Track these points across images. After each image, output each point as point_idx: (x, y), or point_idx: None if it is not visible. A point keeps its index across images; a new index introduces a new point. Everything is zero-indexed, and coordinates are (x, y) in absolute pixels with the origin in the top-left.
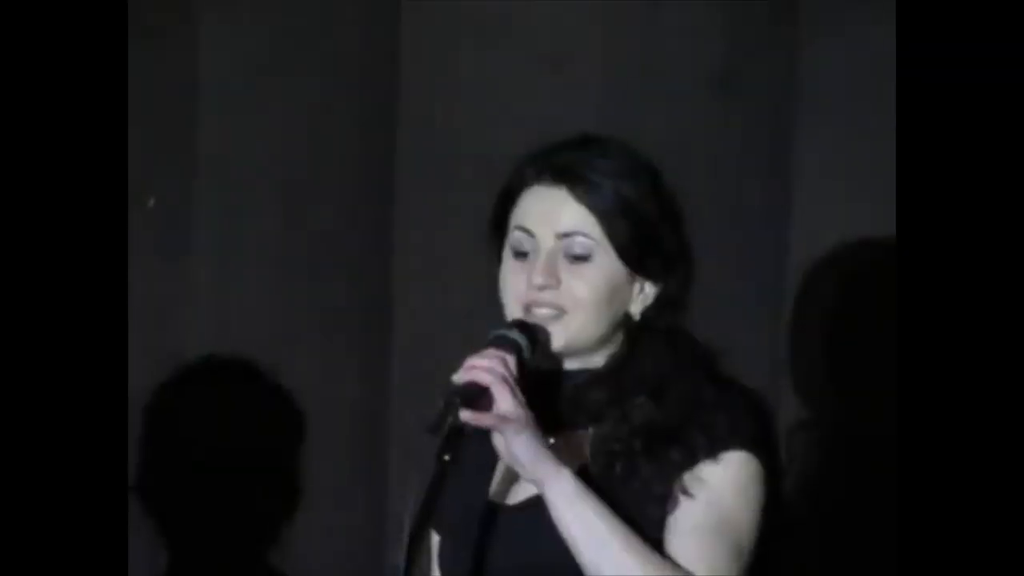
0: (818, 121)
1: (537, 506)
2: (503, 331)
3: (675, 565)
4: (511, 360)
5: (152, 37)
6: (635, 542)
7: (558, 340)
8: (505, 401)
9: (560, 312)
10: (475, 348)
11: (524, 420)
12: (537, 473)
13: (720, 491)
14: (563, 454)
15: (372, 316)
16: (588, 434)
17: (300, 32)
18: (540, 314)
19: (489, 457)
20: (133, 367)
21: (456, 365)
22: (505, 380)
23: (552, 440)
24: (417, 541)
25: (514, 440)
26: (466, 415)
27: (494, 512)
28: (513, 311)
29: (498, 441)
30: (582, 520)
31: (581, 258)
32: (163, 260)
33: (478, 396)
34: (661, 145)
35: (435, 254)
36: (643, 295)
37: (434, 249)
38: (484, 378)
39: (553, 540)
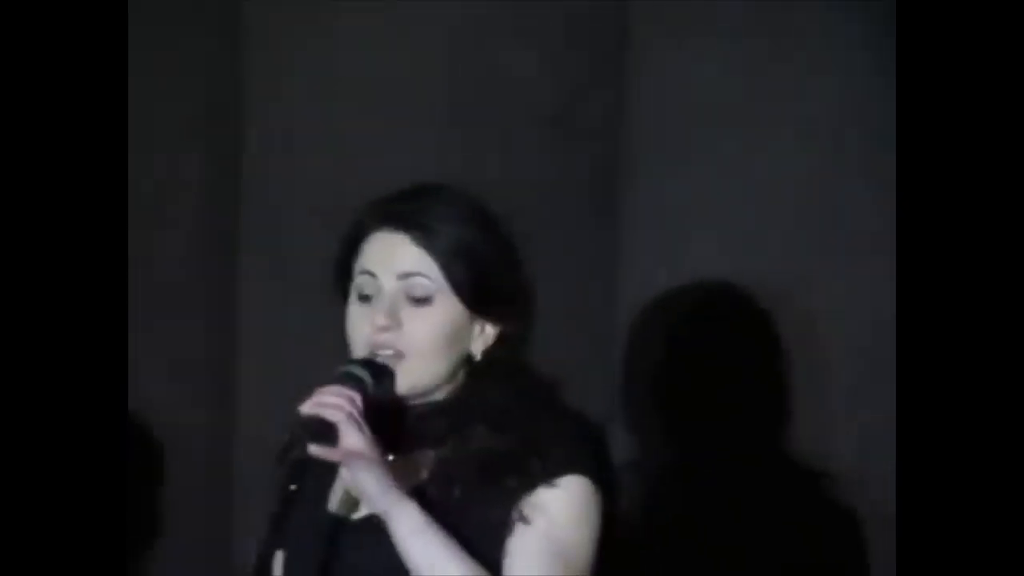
0: (648, 159)
1: (375, 522)
2: (350, 368)
3: None
4: (357, 397)
5: None
6: (473, 568)
7: (402, 383)
8: (353, 438)
9: (401, 356)
10: (320, 382)
11: (371, 456)
12: (383, 505)
13: (557, 516)
14: (402, 472)
15: (220, 356)
16: (429, 456)
17: (149, 92)
18: (383, 355)
19: (329, 477)
20: None
21: (302, 397)
22: (352, 417)
23: (392, 457)
24: (266, 562)
25: (362, 475)
26: (316, 450)
27: (337, 528)
28: (359, 352)
29: (345, 473)
30: (424, 552)
31: (422, 300)
32: None
33: (325, 430)
34: (497, 186)
35: (279, 298)
36: (483, 335)
37: (279, 293)
38: (332, 415)
39: (394, 555)
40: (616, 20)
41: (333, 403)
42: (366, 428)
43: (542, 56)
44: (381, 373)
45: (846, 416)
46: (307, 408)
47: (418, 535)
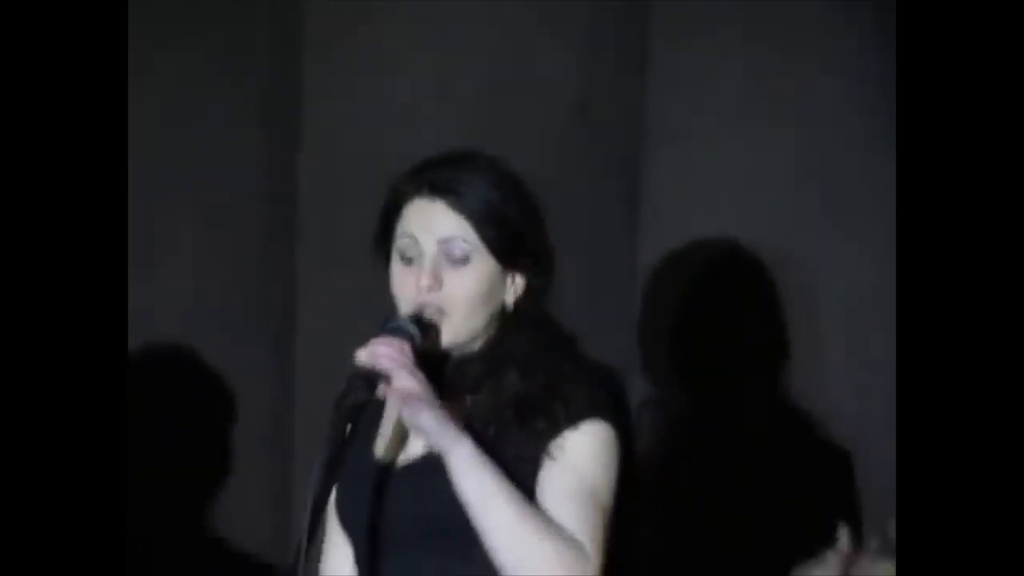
0: (665, 141)
1: (423, 466)
2: (400, 323)
3: (550, 520)
4: (407, 348)
5: None
6: (522, 502)
7: (445, 337)
8: (409, 382)
9: (444, 312)
10: (372, 333)
11: (427, 397)
12: (442, 441)
13: (581, 455)
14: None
15: (280, 311)
16: (466, 401)
17: (216, 68)
18: (429, 312)
19: (376, 427)
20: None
21: (357, 347)
22: (405, 364)
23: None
24: (321, 502)
25: (422, 414)
26: (382, 389)
27: (385, 471)
28: (405, 309)
29: (405, 414)
30: (480, 481)
31: (461, 260)
32: None
33: (378, 378)
34: (529, 160)
35: (335, 257)
36: (514, 287)
37: (334, 253)
38: (386, 363)
39: (437, 495)
40: (638, 10)
41: (386, 352)
42: (419, 373)
43: (568, 48)
44: (427, 328)
45: (846, 366)
46: (362, 357)
47: (474, 466)
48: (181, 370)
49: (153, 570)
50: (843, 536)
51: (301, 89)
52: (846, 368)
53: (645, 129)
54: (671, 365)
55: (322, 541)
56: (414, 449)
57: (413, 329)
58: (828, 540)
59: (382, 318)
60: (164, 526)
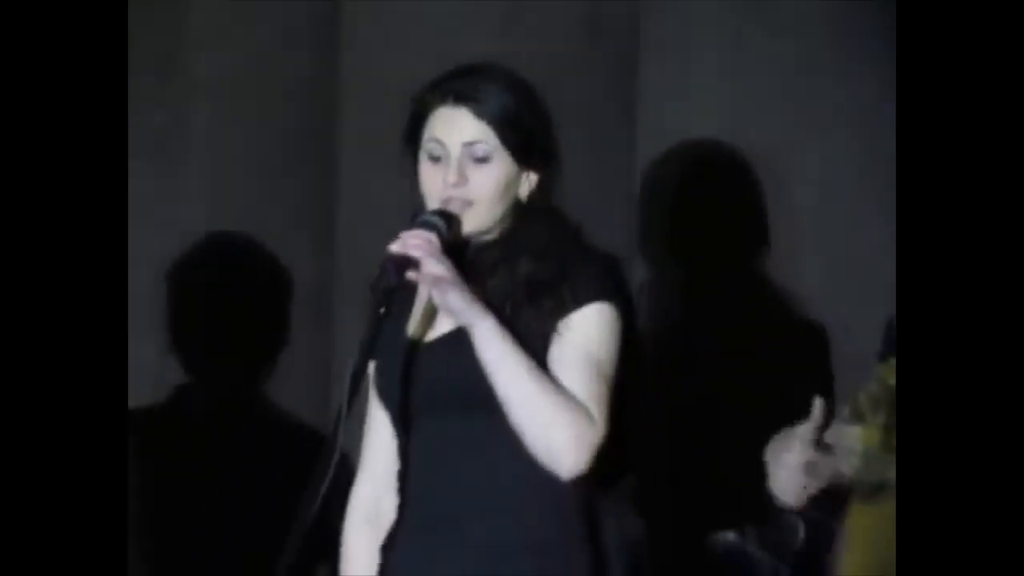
0: (662, 56)
1: (448, 341)
2: (427, 216)
3: (562, 387)
4: (434, 238)
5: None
6: (538, 370)
7: (469, 225)
8: (437, 267)
9: (469, 203)
10: (403, 226)
11: (454, 279)
12: (468, 316)
13: (587, 332)
14: None
15: (324, 205)
16: (484, 283)
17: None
18: (454, 206)
19: (408, 307)
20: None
21: (390, 239)
22: (433, 252)
23: None
24: (359, 373)
25: (450, 294)
26: (412, 275)
27: (416, 347)
28: (432, 203)
29: (435, 295)
30: (501, 351)
31: (482, 159)
32: (163, 165)
33: (408, 264)
34: (539, 68)
35: (371, 157)
36: (528, 182)
37: (370, 153)
38: (416, 251)
39: (462, 366)
40: None
41: (416, 243)
42: (445, 260)
43: None
44: (451, 220)
45: (816, 251)
46: (395, 247)
47: (496, 338)
48: (243, 254)
49: (214, 433)
50: (817, 406)
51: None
52: (816, 253)
53: (643, 41)
54: (666, 252)
55: (354, 408)
56: (441, 327)
57: (439, 222)
58: (803, 410)
59: (411, 213)
60: (224, 392)
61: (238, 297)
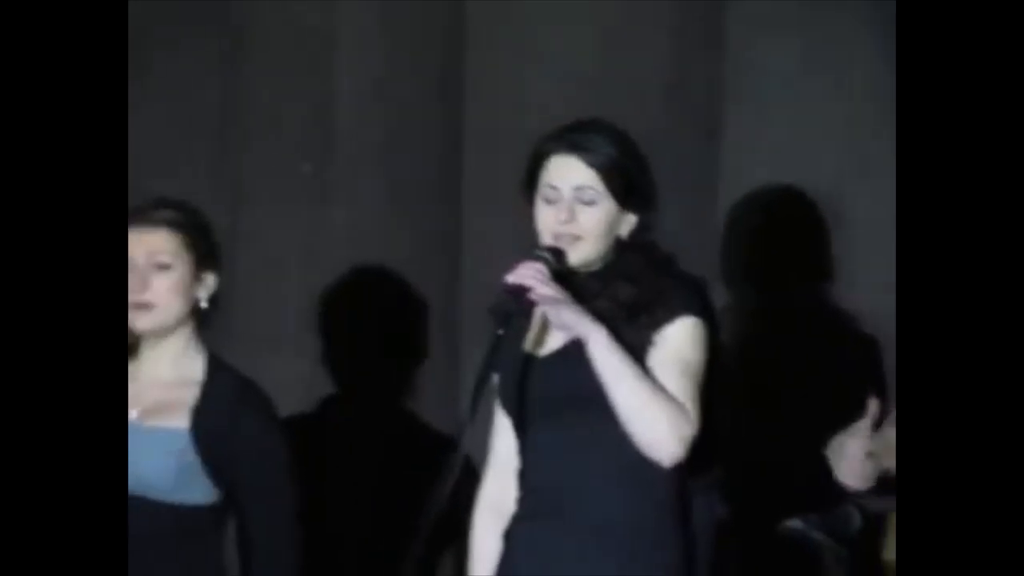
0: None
1: (558, 356)
2: (538, 251)
3: (664, 390)
4: (542, 267)
5: None
6: (645, 376)
7: (576, 257)
8: (548, 290)
9: (576, 239)
10: (522, 260)
11: (566, 299)
12: (582, 329)
13: (678, 342)
14: None
15: (452, 239)
16: (590, 306)
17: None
18: (563, 241)
19: (524, 328)
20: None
21: (508, 271)
22: (542, 279)
23: None
24: (482, 385)
25: (564, 311)
26: (533, 296)
27: (531, 361)
28: (545, 239)
29: (551, 314)
30: (615, 359)
31: (589, 202)
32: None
33: (521, 291)
34: (637, 123)
35: (497, 195)
36: (628, 222)
37: (497, 192)
38: (529, 281)
39: (570, 376)
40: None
41: (528, 272)
42: (554, 285)
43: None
44: (559, 254)
45: (870, 281)
46: (511, 277)
47: (610, 347)
48: (383, 282)
49: (357, 439)
50: (872, 407)
51: (464, 69)
52: (870, 283)
53: (724, 99)
54: (742, 279)
55: (478, 415)
56: (552, 344)
57: (547, 255)
58: (860, 412)
59: (528, 247)
60: (366, 401)
61: (378, 320)
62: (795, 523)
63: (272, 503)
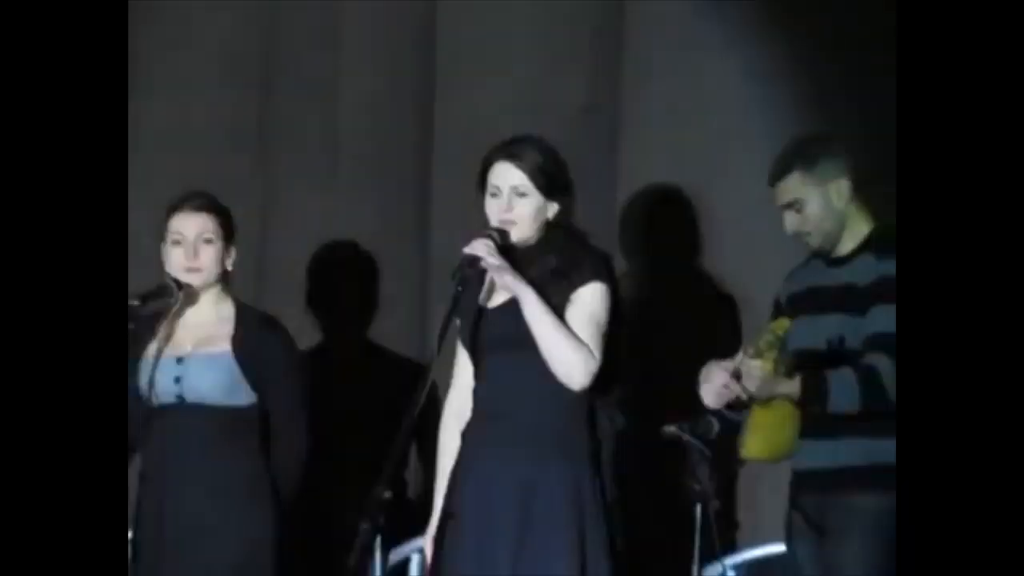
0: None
1: (502, 308)
2: (488, 231)
3: (576, 336)
4: (491, 243)
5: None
6: (560, 323)
7: (514, 236)
8: (495, 259)
9: (514, 223)
10: (473, 239)
11: (507, 267)
12: (517, 289)
13: (589, 301)
14: None
15: (420, 221)
16: (524, 272)
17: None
18: (506, 224)
19: (478, 287)
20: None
21: (463, 246)
22: (492, 252)
23: None
24: (445, 329)
25: (505, 276)
26: (485, 263)
27: (482, 312)
28: (493, 223)
29: (496, 277)
30: (539, 311)
31: (523, 195)
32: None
33: (475, 260)
34: (558, 135)
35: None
36: (552, 209)
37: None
38: (481, 250)
39: (515, 324)
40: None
41: (479, 245)
42: (499, 256)
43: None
44: (503, 234)
45: (741, 253)
46: (466, 249)
47: (536, 302)
48: (359, 259)
49: (347, 371)
50: (739, 355)
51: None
52: (740, 255)
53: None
54: (638, 252)
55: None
56: (498, 299)
57: (494, 233)
58: (721, 352)
59: (480, 228)
60: (339, 342)
61: (353, 282)
62: (671, 428)
63: (290, 398)
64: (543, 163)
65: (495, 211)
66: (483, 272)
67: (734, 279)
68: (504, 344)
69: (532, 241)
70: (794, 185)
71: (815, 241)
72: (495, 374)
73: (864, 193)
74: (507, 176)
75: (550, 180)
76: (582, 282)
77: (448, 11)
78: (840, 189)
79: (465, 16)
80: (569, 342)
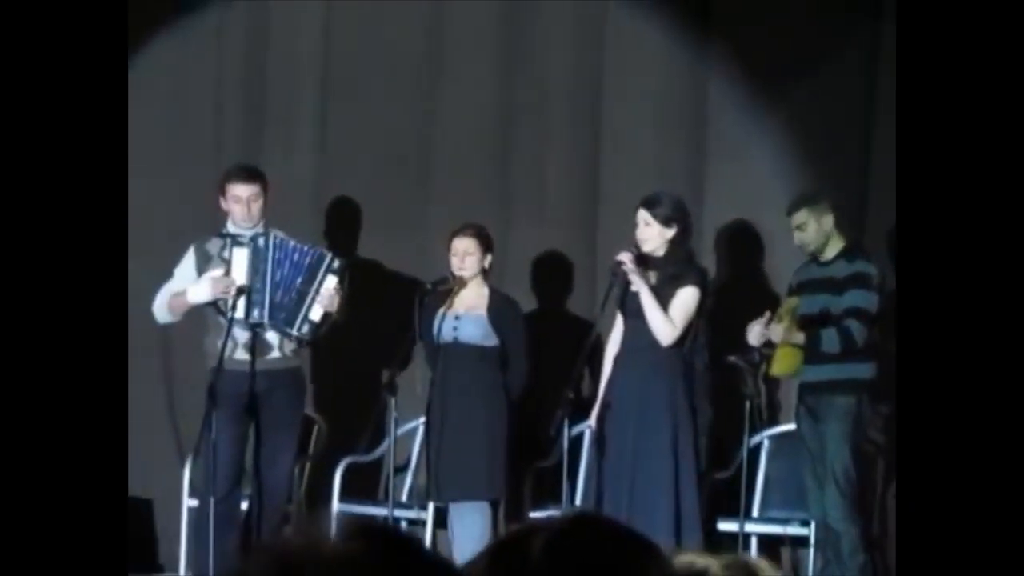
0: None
1: (635, 294)
2: (631, 249)
3: (672, 318)
4: (631, 255)
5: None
6: (661, 309)
7: (645, 249)
8: (631, 264)
9: (644, 242)
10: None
11: (636, 269)
12: (640, 286)
13: (684, 299)
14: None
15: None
16: (650, 277)
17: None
18: (640, 244)
19: (624, 281)
20: None
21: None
22: (631, 259)
23: None
24: (604, 301)
25: (633, 275)
26: (625, 267)
27: (627, 292)
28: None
29: (630, 275)
30: (649, 300)
31: (649, 226)
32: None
33: (620, 264)
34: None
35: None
36: (670, 234)
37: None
38: (624, 258)
39: (639, 304)
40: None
41: (624, 256)
42: (634, 263)
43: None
44: (639, 249)
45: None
46: (617, 257)
47: (649, 295)
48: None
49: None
50: (765, 316)
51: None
52: (775, 262)
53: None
54: (723, 263)
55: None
56: (634, 288)
57: (635, 248)
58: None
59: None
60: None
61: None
62: (732, 358)
63: (518, 340)
64: (667, 207)
65: (637, 234)
66: (625, 272)
67: (774, 272)
68: (633, 314)
69: (660, 254)
70: (802, 216)
71: (809, 249)
72: (630, 329)
73: (840, 224)
74: (641, 215)
75: (668, 217)
76: (683, 285)
77: None
78: (826, 221)
79: None
80: (663, 319)
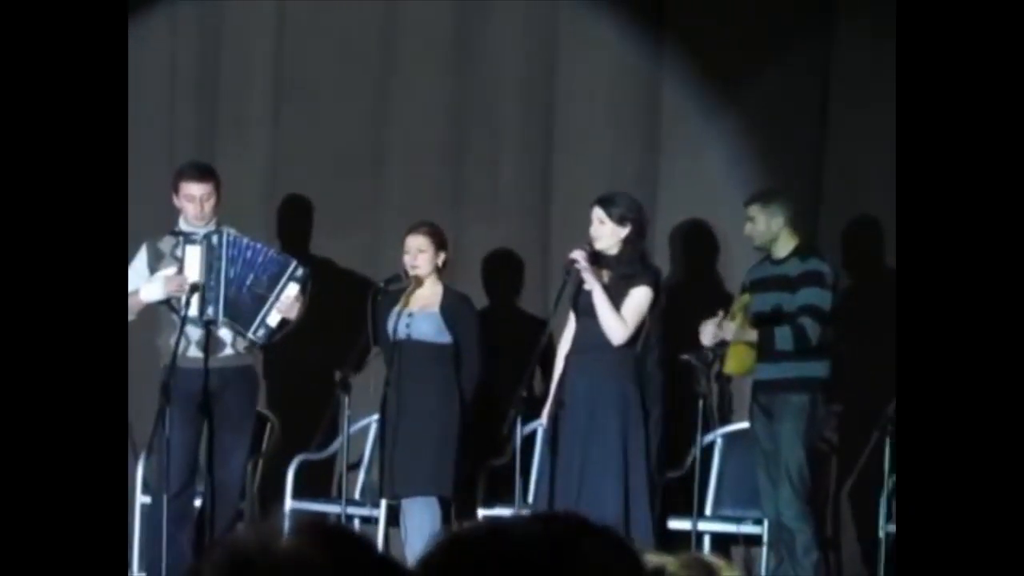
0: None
1: (587, 292)
2: (583, 245)
3: (624, 316)
4: (584, 252)
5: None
6: (615, 308)
7: (598, 247)
8: (584, 263)
9: (597, 240)
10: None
11: (589, 267)
12: (592, 284)
13: (638, 297)
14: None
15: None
16: (603, 275)
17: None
18: (593, 242)
19: (576, 279)
20: None
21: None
22: (584, 258)
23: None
24: (558, 299)
25: (586, 273)
26: (578, 265)
27: (580, 291)
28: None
29: (585, 276)
30: (601, 299)
31: (602, 223)
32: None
33: (574, 261)
34: None
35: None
36: (623, 233)
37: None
38: (577, 256)
39: (591, 301)
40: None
41: (578, 253)
42: (587, 261)
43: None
44: (592, 246)
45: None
46: (571, 255)
47: (601, 293)
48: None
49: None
50: (719, 315)
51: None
52: (729, 261)
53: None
54: (675, 262)
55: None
56: (587, 286)
57: (586, 247)
58: (710, 314)
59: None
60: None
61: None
62: (685, 356)
63: (471, 338)
64: (621, 207)
65: (591, 232)
66: (578, 270)
67: (729, 273)
68: (586, 312)
69: (613, 253)
70: (754, 210)
71: (756, 243)
72: (582, 327)
73: (794, 223)
74: (596, 213)
75: (622, 215)
76: (636, 285)
77: None
78: (776, 222)
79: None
80: (615, 319)
